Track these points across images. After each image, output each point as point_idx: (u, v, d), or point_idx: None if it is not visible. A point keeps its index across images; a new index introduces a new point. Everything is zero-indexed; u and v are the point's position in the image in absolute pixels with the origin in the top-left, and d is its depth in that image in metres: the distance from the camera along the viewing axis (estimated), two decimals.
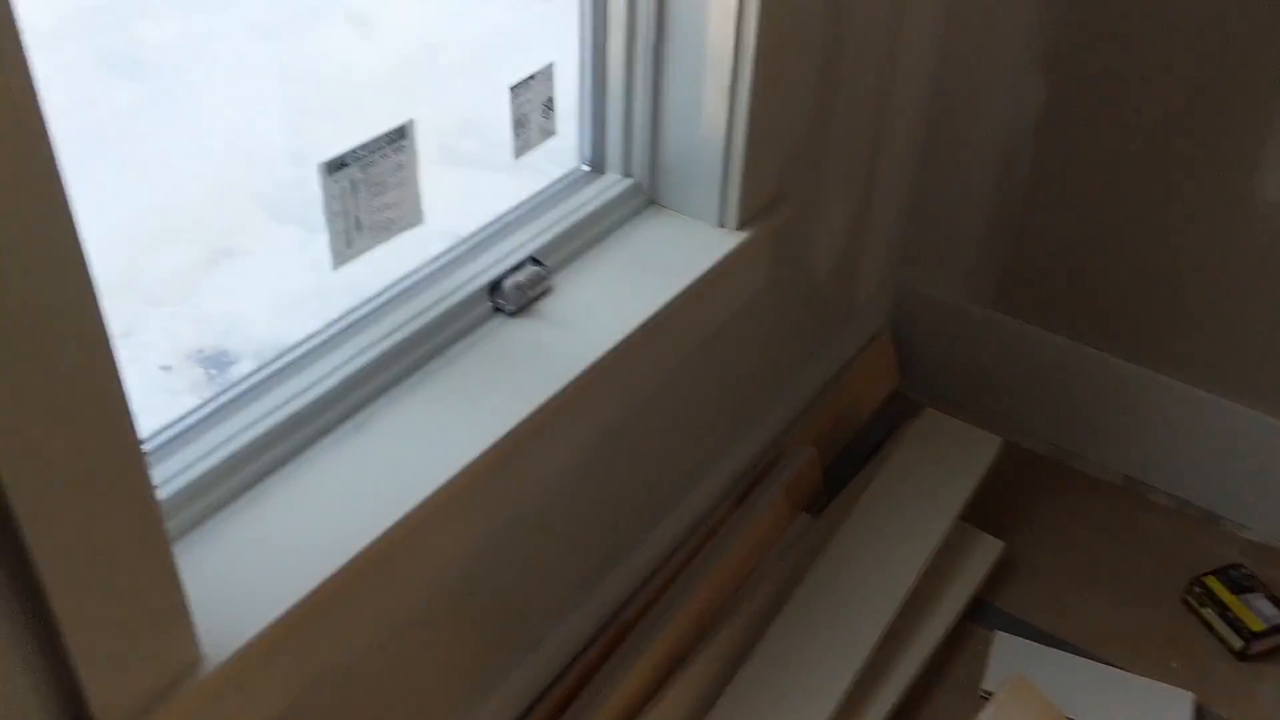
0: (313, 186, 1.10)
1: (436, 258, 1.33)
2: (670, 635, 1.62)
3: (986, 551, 1.87)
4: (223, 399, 1.13)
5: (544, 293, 1.37)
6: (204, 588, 0.98)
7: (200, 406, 1.11)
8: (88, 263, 0.74)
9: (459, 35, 1.70)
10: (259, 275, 1.52)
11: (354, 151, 1.14)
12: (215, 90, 1.47)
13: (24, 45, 0.66)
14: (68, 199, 0.72)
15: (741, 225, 1.50)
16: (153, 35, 1.44)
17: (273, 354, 1.19)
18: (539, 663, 1.53)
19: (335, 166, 1.12)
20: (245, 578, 1.02)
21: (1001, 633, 1.79)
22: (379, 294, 1.27)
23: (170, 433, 1.08)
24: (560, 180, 1.50)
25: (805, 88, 1.60)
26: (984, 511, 1.94)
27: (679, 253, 1.46)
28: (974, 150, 2.01)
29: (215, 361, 1.49)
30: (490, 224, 1.40)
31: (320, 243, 1.16)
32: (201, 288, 1.51)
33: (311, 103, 1.54)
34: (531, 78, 1.32)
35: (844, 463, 2.05)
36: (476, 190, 1.60)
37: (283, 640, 1.03)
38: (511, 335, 1.32)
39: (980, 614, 1.83)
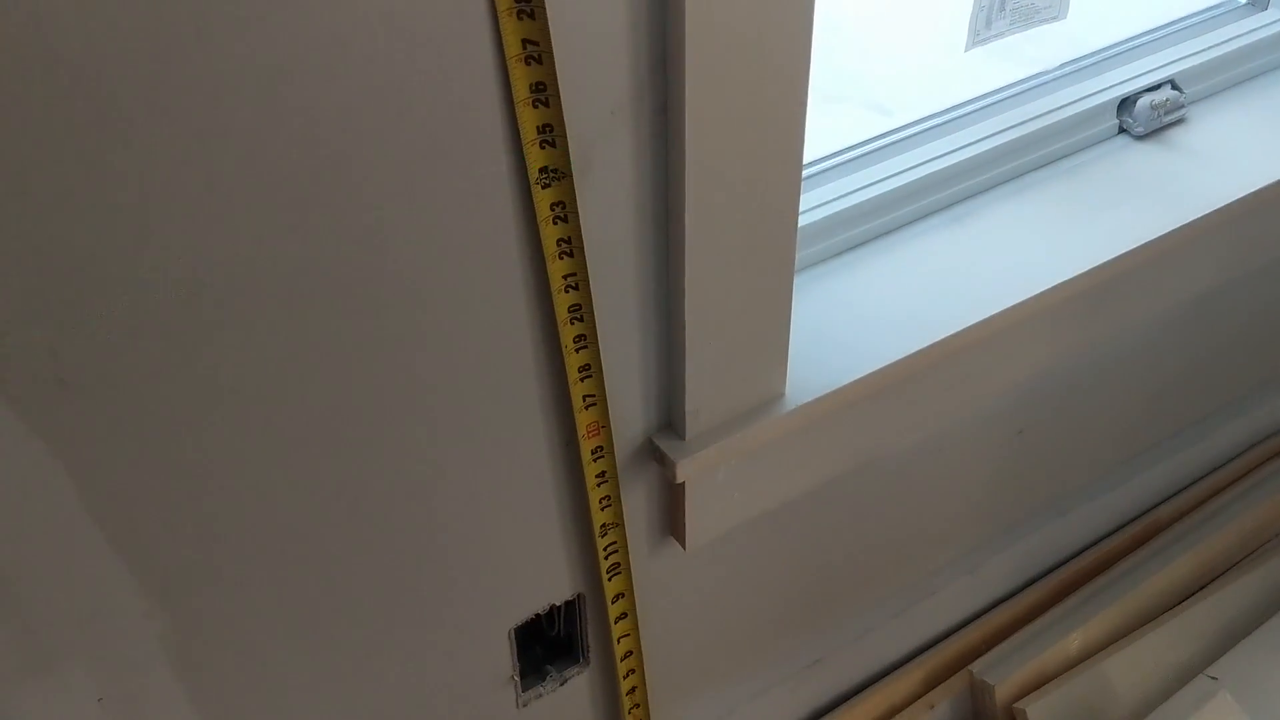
0: None
1: (1067, 63, 1.22)
2: (1206, 550, 1.44)
3: None
4: (831, 161, 1.10)
5: (1177, 121, 1.21)
6: (796, 332, 0.97)
7: (814, 162, 1.09)
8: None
9: None
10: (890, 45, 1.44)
11: None
12: None
13: None
14: None
15: None
16: None
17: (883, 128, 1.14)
18: (1060, 530, 1.42)
19: None
20: (834, 333, 1.00)
21: None
22: (1002, 88, 1.18)
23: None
24: (1213, 8, 1.31)
25: None
26: None
27: None
28: None
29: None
30: (1128, 39, 1.26)
31: (954, 23, 1.09)
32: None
33: None
34: None
35: None
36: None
37: (857, 403, 1.00)
38: (1135, 158, 1.18)
39: None
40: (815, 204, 1.06)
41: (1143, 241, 1.08)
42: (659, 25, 0.69)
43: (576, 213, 0.72)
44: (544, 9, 0.62)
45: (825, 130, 1.08)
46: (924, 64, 1.30)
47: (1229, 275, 1.26)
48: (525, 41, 0.63)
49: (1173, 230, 1.10)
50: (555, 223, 0.72)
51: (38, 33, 0.51)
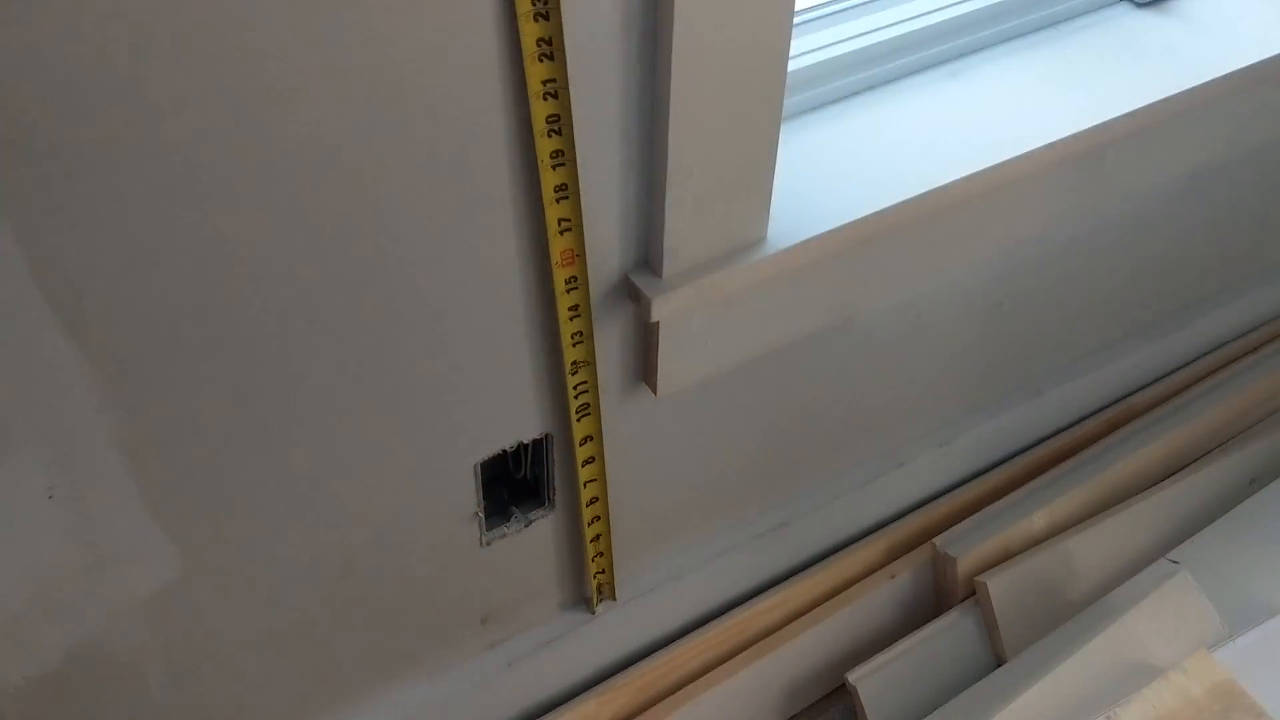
0: None
1: None
2: (1177, 438, 1.44)
3: None
4: (829, 8, 1.06)
5: None
6: (782, 178, 0.94)
7: (811, 8, 1.05)
8: None
9: None
10: None
11: None
12: None
13: None
14: None
15: None
16: None
17: None
18: (1034, 410, 1.41)
19: None
20: (820, 181, 0.97)
21: None
22: None
23: None
24: None
25: None
26: None
27: None
28: None
29: None
30: None
31: None
32: None
33: None
34: None
35: None
36: None
37: (838, 254, 0.98)
38: (1137, 24, 1.15)
39: None
40: (808, 49, 1.03)
41: (1136, 107, 1.06)
42: None
43: (559, 9, 0.68)
44: None
45: None
46: None
47: (1221, 154, 1.24)
48: None
49: (1167, 98, 1.07)
50: (536, 19, 0.68)
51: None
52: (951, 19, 1.08)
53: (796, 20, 0.99)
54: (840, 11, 1.06)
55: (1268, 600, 1.32)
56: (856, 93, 1.06)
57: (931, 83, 1.08)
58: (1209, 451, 1.47)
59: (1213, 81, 1.09)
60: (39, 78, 0.56)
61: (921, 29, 1.07)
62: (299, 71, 0.64)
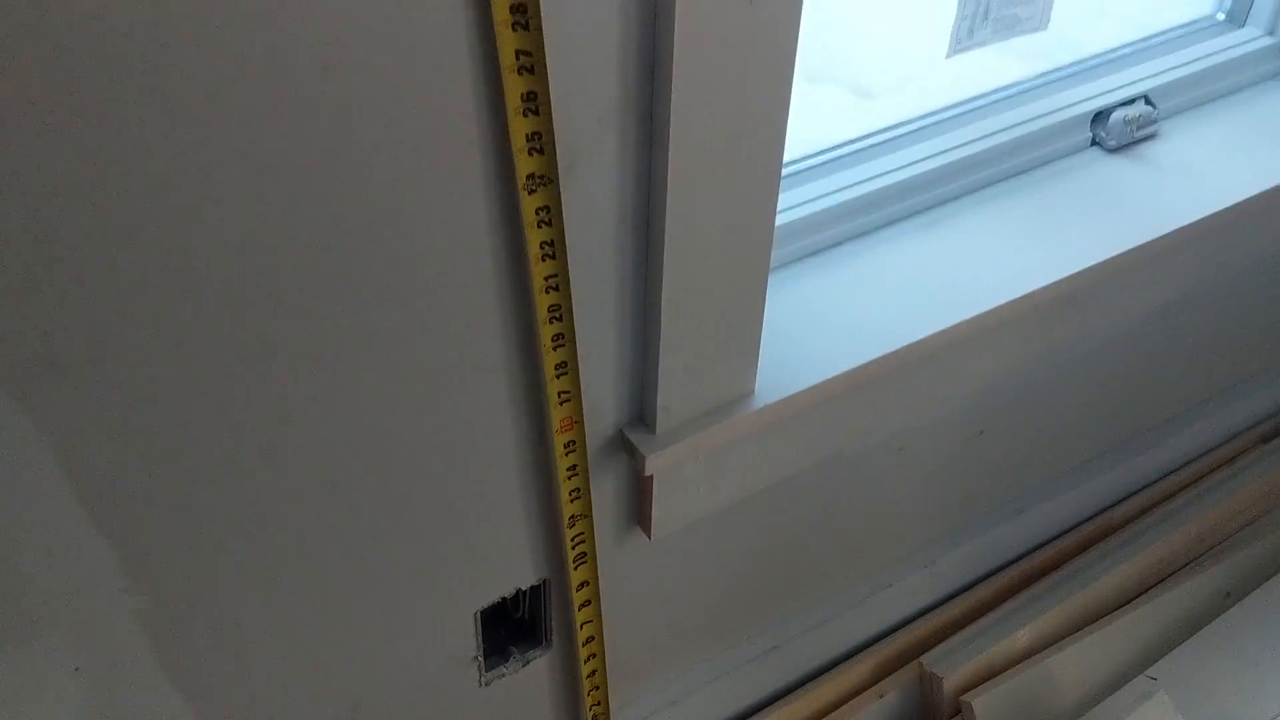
0: None
1: (1044, 74, 1.24)
2: (1155, 553, 1.48)
3: None
4: (808, 163, 1.12)
5: (1149, 136, 1.24)
6: (767, 331, 0.99)
7: (789, 162, 1.11)
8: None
9: None
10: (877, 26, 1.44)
11: None
12: None
13: None
14: None
15: None
16: None
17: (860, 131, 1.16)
18: (1015, 529, 1.45)
19: None
20: (804, 334, 1.02)
21: None
22: (979, 96, 1.20)
23: None
24: (1189, 25, 1.34)
25: None
26: None
27: None
28: None
29: None
30: (1104, 52, 1.28)
31: (934, 29, 1.10)
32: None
33: None
34: None
35: None
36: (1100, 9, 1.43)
37: (824, 403, 1.02)
38: (1107, 171, 1.21)
39: None
40: (790, 205, 1.08)
41: (1108, 256, 1.11)
42: (648, 38, 0.70)
43: (561, 216, 0.73)
44: (539, 21, 0.63)
45: (807, 110, 1.08)
46: (909, 50, 1.31)
47: (1191, 289, 1.30)
48: (519, 52, 0.64)
49: (1138, 246, 1.13)
50: (540, 226, 0.73)
51: (45, 19, 0.52)
52: (927, 171, 1.13)
53: None
54: (819, 166, 1.11)
55: (1241, 716, 1.36)
56: (838, 244, 1.11)
57: (909, 233, 1.13)
58: (1185, 565, 1.51)
59: (1178, 230, 1.15)
60: (74, 312, 0.61)
61: (898, 182, 1.12)
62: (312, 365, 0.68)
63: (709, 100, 0.74)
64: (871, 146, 1.13)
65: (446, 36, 0.62)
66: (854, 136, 1.14)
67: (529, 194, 0.71)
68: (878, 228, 1.13)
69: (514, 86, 0.65)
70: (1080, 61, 1.27)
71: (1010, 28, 1.14)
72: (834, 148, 1.12)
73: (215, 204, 0.61)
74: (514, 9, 0.62)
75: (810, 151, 1.12)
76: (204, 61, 0.56)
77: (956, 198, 1.17)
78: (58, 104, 0.54)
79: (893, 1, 1.42)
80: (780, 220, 1.06)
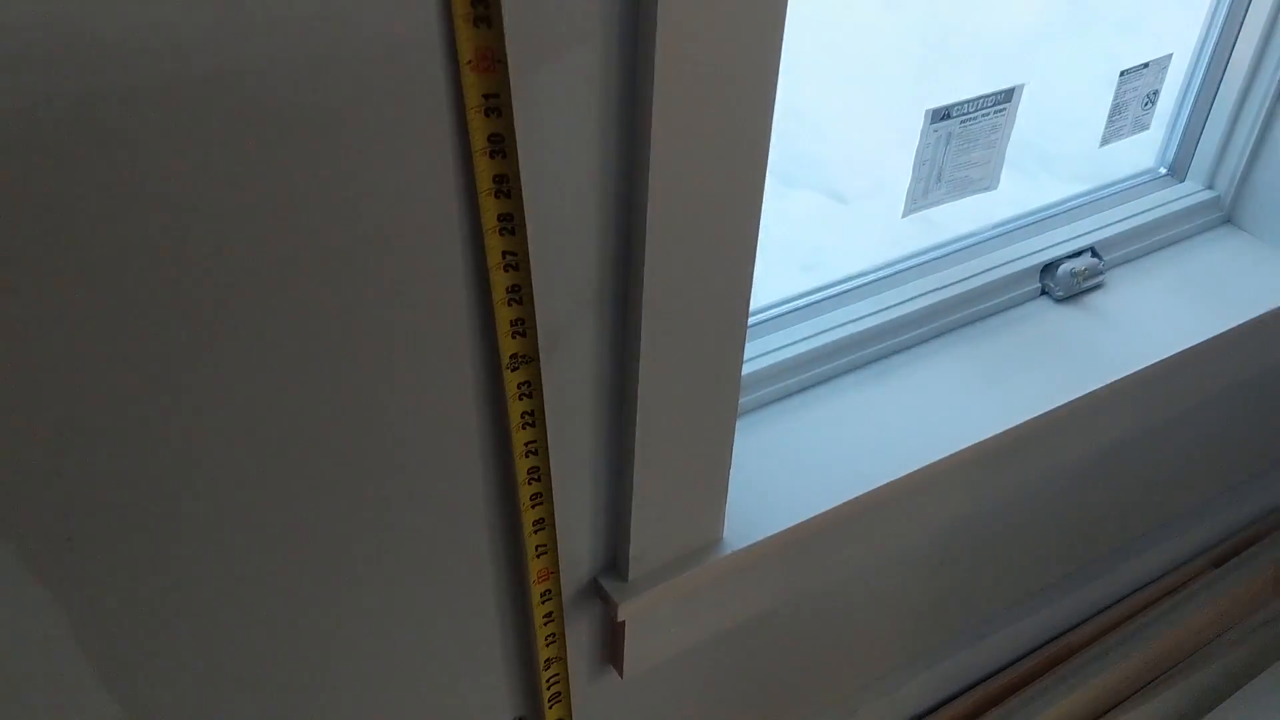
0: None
1: (995, 226, 1.32)
2: (1113, 676, 1.53)
3: None
4: (768, 313, 1.18)
5: (1095, 286, 1.32)
6: (732, 478, 1.04)
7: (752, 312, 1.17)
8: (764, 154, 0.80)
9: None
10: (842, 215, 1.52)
11: (960, 105, 1.14)
12: None
13: None
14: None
15: None
16: None
17: (820, 283, 1.22)
18: (977, 653, 1.50)
19: (939, 116, 1.13)
20: (767, 481, 1.07)
21: None
22: (930, 249, 1.28)
23: None
24: (1133, 178, 1.43)
25: None
26: None
27: (1249, 281, 1.35)
28: None
29: None
30: (1051, 206, 1.36)
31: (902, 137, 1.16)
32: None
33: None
34: (1145, 66, 1.26)
35: None
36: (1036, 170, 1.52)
37: (789, 547, 1.07)
38: (1054, 320, 1.28)
39: None
40: (750, 356, 1.13)
41: (1056, 405, 1.17)
42: (624, 234, 0.77)
43: (541, 390, 0.79)
44: (524, 226, 0.70)
45: (780, 214, 1.12)
46: (865, 230, 1.39)
47: (1137, 430, 1.36)
48: (505, 253, 0.71)
49: (1085, 395, 1.19)
50: (521, 399, 0.79)
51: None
52: (882, 323, 1.19)
53: None
54: (779, 318, 1.17)
55: None
56: (796, 393, 1.17)
57: (868, 381, 1.19)
58: (1140, 689, 1.56)
59: (1123, 378, 1.21)
60: (91, 495, 0.66)
61: (854, 333, 1.18)
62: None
63: (678, 289, 0.80)
64: (827, 299, 1.20)
65: (443, 247, 0.69)
66: (814, 287, 1.20)
67: (511, 371, 0.77)
68: (835, 376, 1.19)
69: (499, 282, 0.72)
70: (1029, 214, 1.35)
71: (963, 187, 1.22)
72: (792, 298, 1.18)
73: (220, 434, 0.67)
74: (501, 216, 0.69)
75: (773, 301, 1.18)
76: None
77: (912, 346, 1.23)
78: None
79: (863, 108, 1.51)
80: (745, 370, 1.12)
